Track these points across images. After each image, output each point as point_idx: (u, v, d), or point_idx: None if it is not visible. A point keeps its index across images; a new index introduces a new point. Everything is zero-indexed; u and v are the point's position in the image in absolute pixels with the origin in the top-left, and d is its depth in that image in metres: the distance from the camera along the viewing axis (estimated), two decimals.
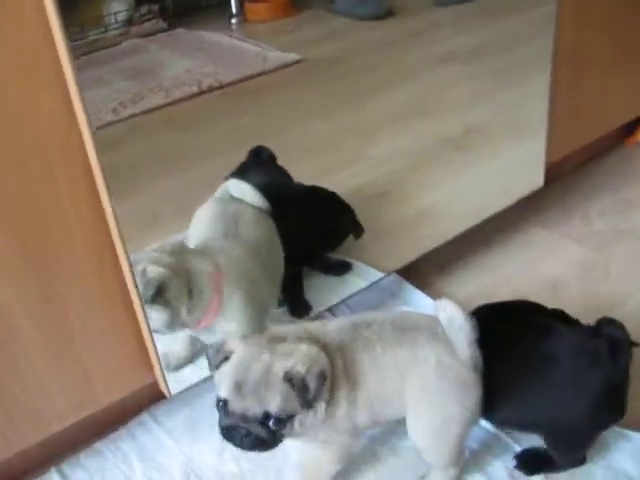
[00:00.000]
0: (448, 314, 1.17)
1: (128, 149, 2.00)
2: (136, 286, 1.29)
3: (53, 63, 1.08)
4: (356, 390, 1.16)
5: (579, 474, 1.31)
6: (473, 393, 1.19)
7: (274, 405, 1.07)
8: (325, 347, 1.15)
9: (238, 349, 1.12)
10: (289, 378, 1.07)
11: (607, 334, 1.21)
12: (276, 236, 1.52)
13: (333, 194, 1.72)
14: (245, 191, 1.53)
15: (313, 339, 1.16)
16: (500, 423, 1.33)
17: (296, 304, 1.61)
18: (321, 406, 1.12)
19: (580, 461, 1.32)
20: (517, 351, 1.23)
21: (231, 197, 1.54)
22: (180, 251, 1.34)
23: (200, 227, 1.49)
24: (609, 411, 1.25)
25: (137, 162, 1.95)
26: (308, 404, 1.09)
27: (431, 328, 1.20)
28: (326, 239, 1.70)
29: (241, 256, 1.39)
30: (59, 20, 1.05)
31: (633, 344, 1.23)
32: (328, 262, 1.71)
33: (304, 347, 1.11)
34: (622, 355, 1.20)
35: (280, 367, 1.08)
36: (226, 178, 1.66)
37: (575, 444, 1.29)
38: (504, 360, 1.22)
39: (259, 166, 1.70)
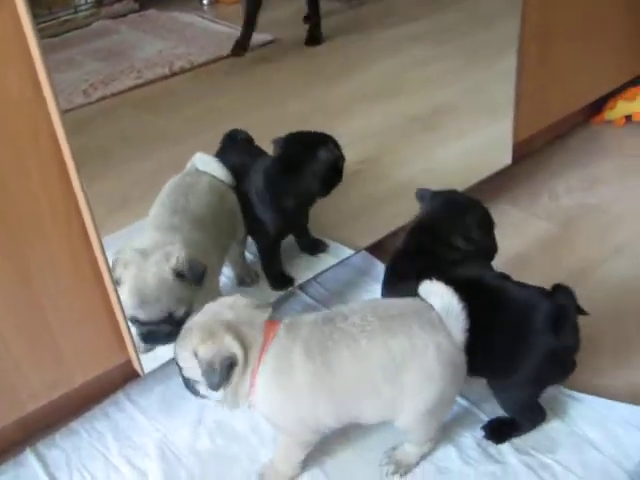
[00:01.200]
0: (445, 302, 1.19)
1: (99, 131, 2.00)
2: (108, 266, 1.30)
3: (20, 44, 1.08)
4: (321, 383, 1.17)
5: (545, 442, 1.34)
6: (464, 372, 1.24)
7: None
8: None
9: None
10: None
11: (555, 299, 1.26)
12: (231, 205, 1.56)
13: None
14: (208, 163, 1.58)
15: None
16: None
17: (276, 277, 1.63)
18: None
19: (538, 420, 1.36)
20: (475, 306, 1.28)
21: (197, 170, 1.58)
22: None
23: (156, 202, 1.52)
24: (551, 373, 1.31)
25: (108, 144, 1.96)
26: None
27: (420, 314, 1.21)
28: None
29: (190, 232, 1.42)
30: (25, 0, 1.05)
31: (581, 312, 1.28)
32: (306, 239, 1.73)
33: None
34: (566, 321, 1.25)
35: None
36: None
37: (519, 396, 1.33)
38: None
39: (237, 148, 1.70)
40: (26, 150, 1.16)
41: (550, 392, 1.39)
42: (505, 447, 1.34)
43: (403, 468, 1.30)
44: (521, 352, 1.27)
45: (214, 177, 1.56)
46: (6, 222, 1.18)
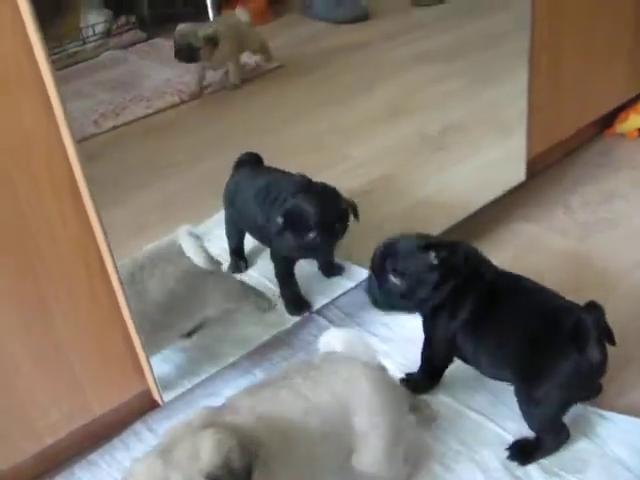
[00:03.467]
0: (342, 344, 1.20)
1: (111, 160, 2.00)
2: (124, 292, 1.29)
3: (34, 75, 1.09)
4: (288, 451, 1.10)
5: (573, 462, 1.31)
6: (404, 399, 1.24)
7: None
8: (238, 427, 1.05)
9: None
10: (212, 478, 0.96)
11: (584, 314, 1.25)
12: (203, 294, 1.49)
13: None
14: (190, 246, 1.47)
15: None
16: (489, 375, 1.39)
17: (293, 302, 1.62)
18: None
19: (562, 440, 1.34)
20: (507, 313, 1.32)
21: (177, 247, 1.48)
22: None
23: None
24: (574, 390, 1.29)
25: (120, 173, 1.95)
26: None
27: (346, 354, 1.21)
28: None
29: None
30: (38, 32, 1.06)
31: (610, 338, 1.27)
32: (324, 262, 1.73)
33: (206, 435, 0.99)
34: (591, 338, 1.23)
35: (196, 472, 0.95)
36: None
37: (545, 411, 1.30)
38: (495, 324, 1.32)
39: (251, 170, 1.72)
40: (41, 176, 1.16)
41: (577, 411, 1.37)
42: (532, 468, 1.31)
43: None
44: (548, 363, 1.25)
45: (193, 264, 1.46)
46: (23, 251, 1.18)
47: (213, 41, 2.33)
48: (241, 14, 2.44)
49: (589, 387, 1.32)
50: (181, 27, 2.33)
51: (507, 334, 1.31)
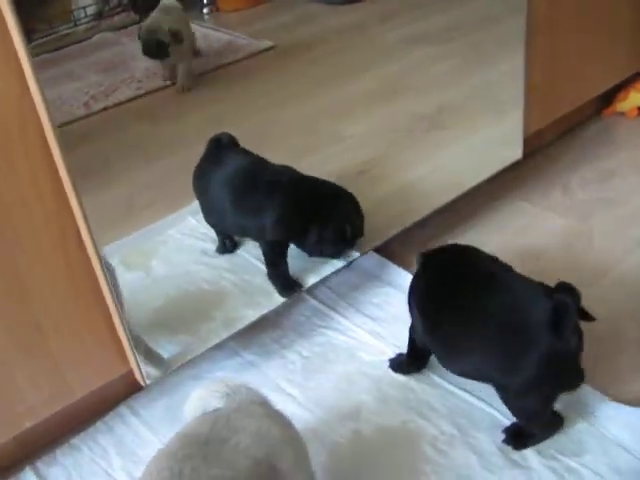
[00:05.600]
0: (222, 399, 1.09)
1: (100, 142, 1.99)
2: (106, 277, 1.24)
3: (3, 43, 1.04)
4: None
5: (570, 445, 1.27)
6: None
7: None
8: None
9: None
10: None
11: (557, 298, 1.17)
12: None
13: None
14: None
15: None
16: (459, 374, 1.32)
17: (282, 283, 1.57)
18: None
19: (554, 428, 1.29)
20: (465, 302, 1.25)
21: None
22: None
23: None
24: (554, 378, 1.22)
25: (110, 155, 1.93)
26: None
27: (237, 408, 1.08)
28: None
29: None
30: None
31: (585, 316, 1.20)
32: None
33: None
34: (566, 322, 1.16)
35: None
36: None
37: (527, 404, 1.25)
38: (454, 310, 1.25)
39: (224, 152, 1.66)
40: (16, 154, 1.11)
41: (576, 392, 1.32)
42: (528, 452, 1.27)
43: None
44: (521, 352, 1.18)
45: None
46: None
47: (178, 36, 2.26)
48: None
49: (570, 374, 1.24)
50: (147, 22, 2.27)
51: (473, 323, 1.24)
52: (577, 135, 2.16)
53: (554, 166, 2.03)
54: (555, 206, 1.88)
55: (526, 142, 1.91)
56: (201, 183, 1.67)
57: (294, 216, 1.55)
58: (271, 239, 1.57)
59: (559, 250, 1.73)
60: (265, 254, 1.59)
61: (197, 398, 1.10)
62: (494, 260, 1.34)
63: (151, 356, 1.40)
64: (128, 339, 1.31)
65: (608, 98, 2.22)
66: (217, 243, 1.70)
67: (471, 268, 1.32)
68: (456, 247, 1.40)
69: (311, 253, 1.59)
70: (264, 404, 1.10)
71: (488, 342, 1.22)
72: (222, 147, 1.67)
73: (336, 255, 1.60)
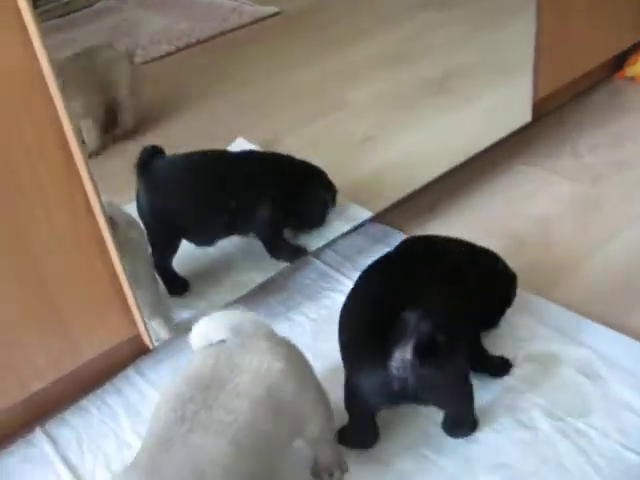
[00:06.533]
0: (224, 331, 1.08)
1: None
2: (112, 236, 1.24)
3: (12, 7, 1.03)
4: None
5: (578, 406, 1.27)
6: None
7: None
8: None
9: None
10: None
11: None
12: None
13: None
14: None
15: None
16: None
17: (286, 251, 1.57)
18: None
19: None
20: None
21: None
22: None
23: None
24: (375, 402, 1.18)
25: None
26: None
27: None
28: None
29: None
30: None
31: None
32: None
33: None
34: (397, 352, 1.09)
35: None
36: None
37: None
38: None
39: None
40: (21, 113, 1.10)
41: (580, 355, 1.33)
42: (536, 413, 1.26)
43: (334, 471, 1.20)
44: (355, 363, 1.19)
45: None
46: (5, 192, 1.13)
47: None
48: None
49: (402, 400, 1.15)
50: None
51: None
52: (587, 99, 2.13)
53: (563, 130, 2.00)
54: (563, 170, 1.86)
55: (535, 106, 1.89)
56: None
57: (285, 201, 1.55)
58: (269, 227, 1.56)
59: (567, 214, 1.72)
60: (265, 241, 1.57)
61: (203, 329, 1.10)
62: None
63: (168, 320, 1.42)
64: (136, 302, 1.31)
65: (618, 62, 2.20)
66: None
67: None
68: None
69: (299, 227, 1.61)
70: (269, 336, 1.10)
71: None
72: (158, 159, 1.50)
73: (319, 225, 1.62)
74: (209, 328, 1.09)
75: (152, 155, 1.48)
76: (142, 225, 1.43)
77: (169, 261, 1.50)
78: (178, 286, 1.51)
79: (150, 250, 1.44)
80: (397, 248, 1.36)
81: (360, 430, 1.23)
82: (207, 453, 0.94)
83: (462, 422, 1.24)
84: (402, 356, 1.07)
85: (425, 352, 1.05)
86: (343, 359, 1.21)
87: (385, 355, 1.08)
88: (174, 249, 1.50)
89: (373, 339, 1.13)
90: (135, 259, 1.33)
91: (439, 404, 1.19)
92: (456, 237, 1.38)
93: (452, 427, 1.24)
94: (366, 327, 1.18)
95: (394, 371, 1.08)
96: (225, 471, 0.94)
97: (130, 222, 1.38)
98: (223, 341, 1.07)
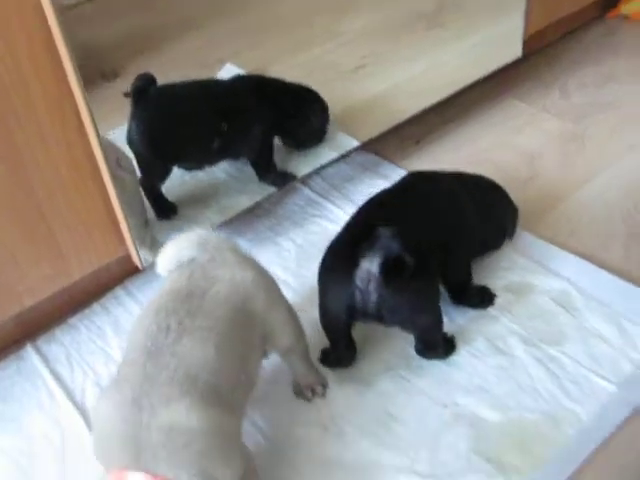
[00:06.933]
0: (192, 248, 1.10)
1: (103, 29, 1.92)
2: (106, 159, 1.25)
3: None
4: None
5: (552, 335, 1.32)
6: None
7: None
8: None
9: None
10: None
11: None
12: None
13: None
14: None
15: None
16: None
17: (276, 176, 1.57)
18: None
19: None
20: None
21: None
22: None
23: None
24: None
25: (113, 42, 1.88)
26: None
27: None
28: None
29: None
30: None
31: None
32: None
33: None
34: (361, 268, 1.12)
35: None
36: None
37: None
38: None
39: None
40: (13, 29, 1.09)
41: (560, 285, 1.37)
42: (513, 340, 1.31)
43: (315, 387, 1.25)
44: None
45: None
46: None
47: None
48: None
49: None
50: None
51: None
52: (578, 37, 2.13)
53: (553, 68, 2.01)
54: (551, 107, 1.88)
55: (526, 42, 1.88)
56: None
57: (279, 121, 1.56)
58: (260, 150, 1.56)
59: (552, 151, 1.74)
60: (255, 165, 1.57)
61: (171, 249, 1.11)
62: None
63: (154, 244, 1.43)
64: (127, 223, 1.32)
65: (611, 1, 2.18)
66: None
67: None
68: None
69: (300, 145, 1.61)
70: (235, 250, 1.12)
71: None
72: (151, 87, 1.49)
73: (320, 139, 1.63)
74: (177, 248, 1.10)
75: (146, 83, 1.47)
76: (132, 153, 1.44)
77: (158, 187, 1.51)
78: (166, 210, 1.52)
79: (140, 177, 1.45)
80: (398, 182, 1.37)
81: (335, 347, 1.27)
82: (196, 359, 0.97)
83: (432, 345, 1.28)
84: (368, 268, 1.10)
85: (390, 270, 1.08)
86: (318, 274, 1.22)
87: (352, 266, 1.11)
88: (165, 175, 1.51)
89: (344, 251, 1.16)
90: (125, 192, 1.34)
91: (402, 327, 1.21)
92: (461, 171, 1.40)
93: (422, 349, 1.28)
94: (341, 242, 1.21)
95: (358, 282, 1.12)
96: (214, 376, 0.97)
97: (120, 155, 1.38)
98: (193, 260, 1.09)
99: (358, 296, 1.13)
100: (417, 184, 1.35)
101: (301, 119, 1.60)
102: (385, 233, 1.08)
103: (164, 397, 0.92)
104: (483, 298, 1.38)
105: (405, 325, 1.21)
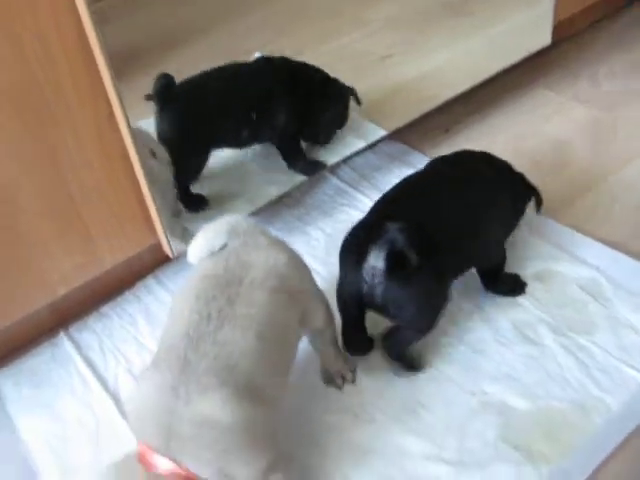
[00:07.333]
0: (225, 236, 1.10)
1: (128, 24, 1.93)
2: (137, 148, 1.26)
3: None
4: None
5: (582, 324, 1.31)
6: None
7: None
8: None
9: None
10: None
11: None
12: None
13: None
14: None
15: None
16: None
17: (307, 165, 1.58)
18: None
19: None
20: None
21: None
22: None
23: None
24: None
25: (138, 38, 1.89)
26: None
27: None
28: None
29: None
30: None
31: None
32: None
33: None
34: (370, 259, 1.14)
35: None
36: None
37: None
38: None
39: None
40: (47, 29, 1.11)
41: (590, 274, 1.36)
42: (542, 329, 1.31)
43: (344, 374, 1.26)
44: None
45: None
46: (28, 94, 1.14)
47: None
48: None
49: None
50: None
51: None
52: (607, 25, 2.10)
53: (582, 56, 1.99)
54: (580, 96, 1.86)
55: (555, 29, 1.87)
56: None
57: (302, 106, 1.56)
58: (286, 135, 1.57)
59: (582, 139, 1.73)
60: (283, 151, 1.59)
61: (202, 238, 1.12)
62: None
63: (185, 233, 1.45)
64: (157, 212, 1.34)
65: None
66: None
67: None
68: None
69: (324, 139, 1.62)
70: (265, 234, 1.13)
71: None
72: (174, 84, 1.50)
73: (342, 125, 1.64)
74: (208, 237, 1.11)
75: (166, 83, 1.48)
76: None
77: (190, 182, 1.53)
78: (197, 203, 1.53)
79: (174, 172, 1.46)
80: (425, 167, 1.37)
81: (349, 332, 1.27)
82: (237, 347, 0.98)
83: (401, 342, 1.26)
84: (373, 263, 1.12)
85: (393, 263, 1.10)
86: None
87: (361, 260, 1.13)
88: (198, 169, 1.53)
89: (358, 240, 1.18)
90: (157, 182, 1.36)
91: (402, 322, 1.21)
92: (486, 154, 1.38)
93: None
94: (354, 235, 1.21)
95: (365, 276, 1.14)
96: (253, 363, 0.99)
97: (154, 146, 1.40)
98: (225, 246, 1.09)
99: (366, 289, 1.15)
100: (443, 169, 1.34)
101: (324, 104, 1.58)
102: (392, 228, 1.10)
103: (202, 386, 0.94)
104: (515, 286, 1.38)
105: (405, 320, 1.20)
